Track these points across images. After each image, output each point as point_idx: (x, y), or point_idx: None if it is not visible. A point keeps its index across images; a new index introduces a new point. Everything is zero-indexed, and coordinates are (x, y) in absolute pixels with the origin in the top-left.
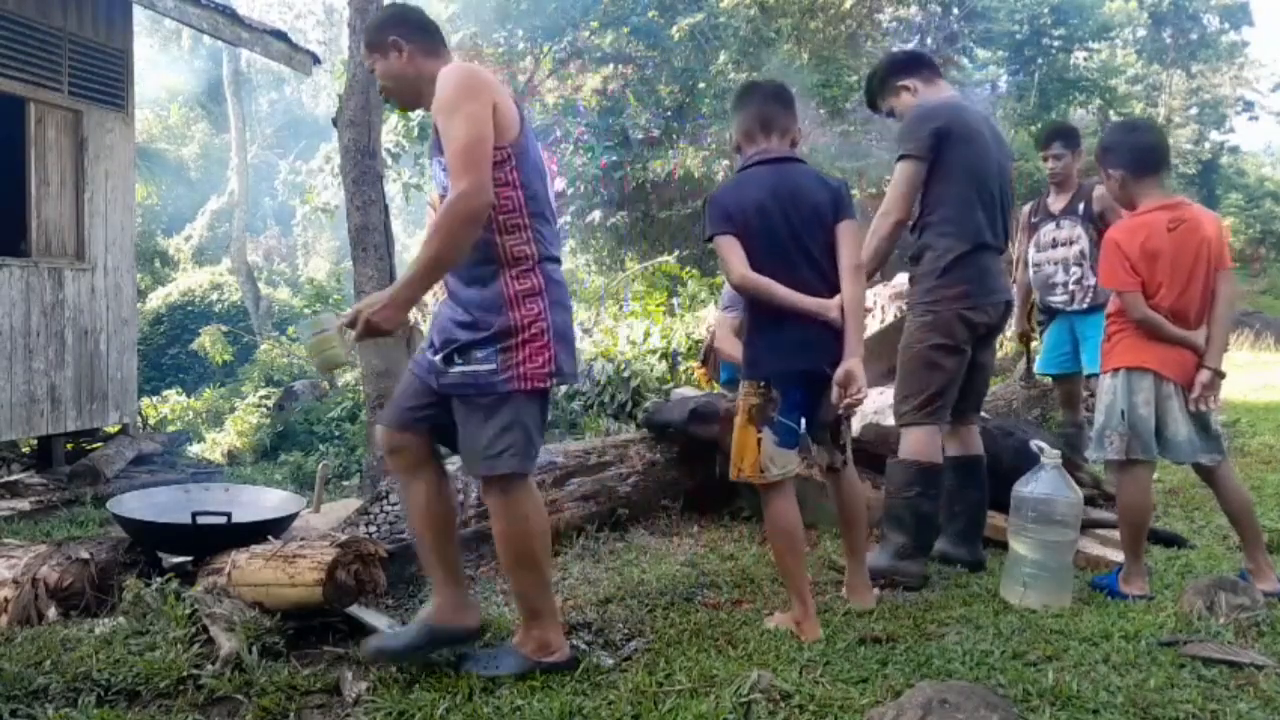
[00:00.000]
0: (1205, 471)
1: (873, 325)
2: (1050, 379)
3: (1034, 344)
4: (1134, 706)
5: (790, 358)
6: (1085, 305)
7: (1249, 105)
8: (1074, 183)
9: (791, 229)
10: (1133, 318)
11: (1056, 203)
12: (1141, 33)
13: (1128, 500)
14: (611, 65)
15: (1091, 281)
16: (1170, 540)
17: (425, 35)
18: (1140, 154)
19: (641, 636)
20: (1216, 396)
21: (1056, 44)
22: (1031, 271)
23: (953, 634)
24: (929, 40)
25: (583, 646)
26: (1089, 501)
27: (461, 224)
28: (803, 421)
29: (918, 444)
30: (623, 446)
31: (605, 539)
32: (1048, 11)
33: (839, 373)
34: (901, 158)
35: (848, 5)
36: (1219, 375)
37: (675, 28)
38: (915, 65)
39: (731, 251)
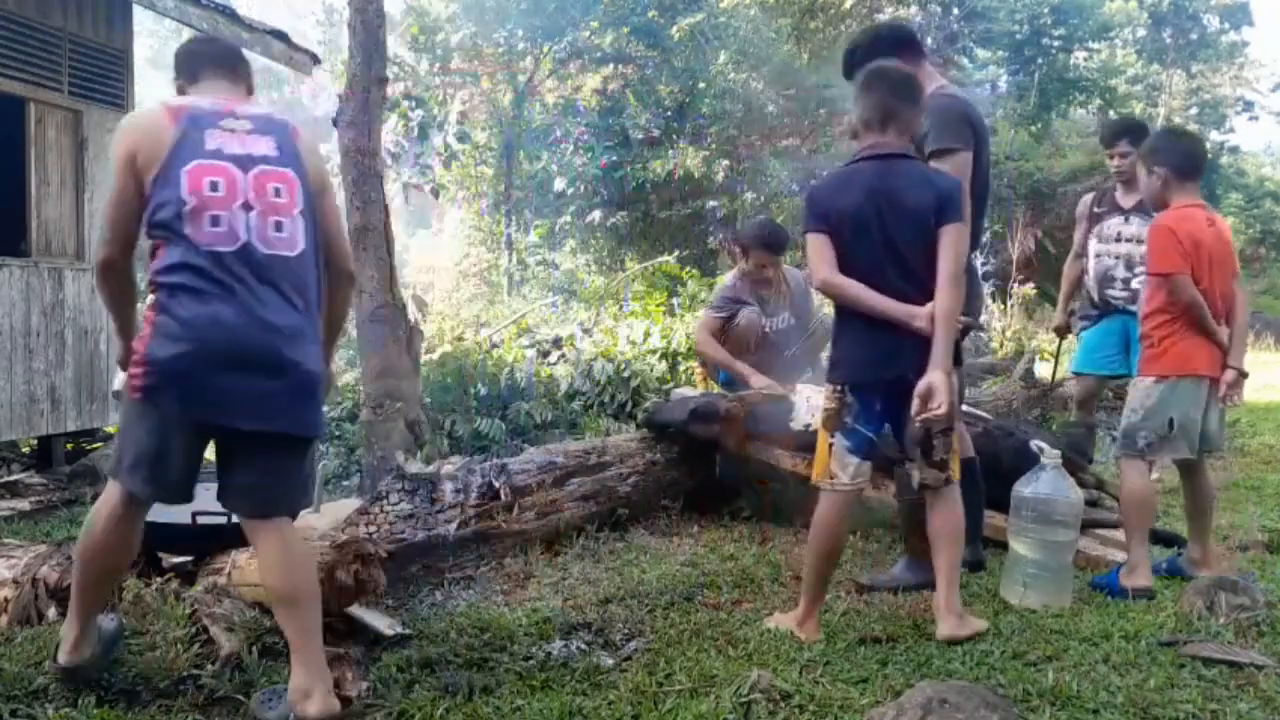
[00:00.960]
0: (1192, 464)
1: None
2: (1074, 376)
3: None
4: (1134, 706)
5: (872, 365)
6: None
7: (1249, 105)
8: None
9: (885, 233)
10: (1182, 299)
11: (1127, 199)
12: (1141, 33)
13: (1134, 490)
14: (611, 65)
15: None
16: (1170, 540)
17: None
18: (1187, 159)
19: (641, 636)
20: (1240, 394)
21: (1056, 44)
22: (1092, 263)
23: None
24: (929, 40)
25: (583, 647)
26: (1089, 502)
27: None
28: (885, 431)
29: None
30: (623, 446)
31: (605, 539)
32: (1048, 11)
33: (920, 385)
34: (949, 151)
35: (848, 5)
36: (1243, 375)
37: (675, 28)
38: (909, 44)
39: (819, 252)
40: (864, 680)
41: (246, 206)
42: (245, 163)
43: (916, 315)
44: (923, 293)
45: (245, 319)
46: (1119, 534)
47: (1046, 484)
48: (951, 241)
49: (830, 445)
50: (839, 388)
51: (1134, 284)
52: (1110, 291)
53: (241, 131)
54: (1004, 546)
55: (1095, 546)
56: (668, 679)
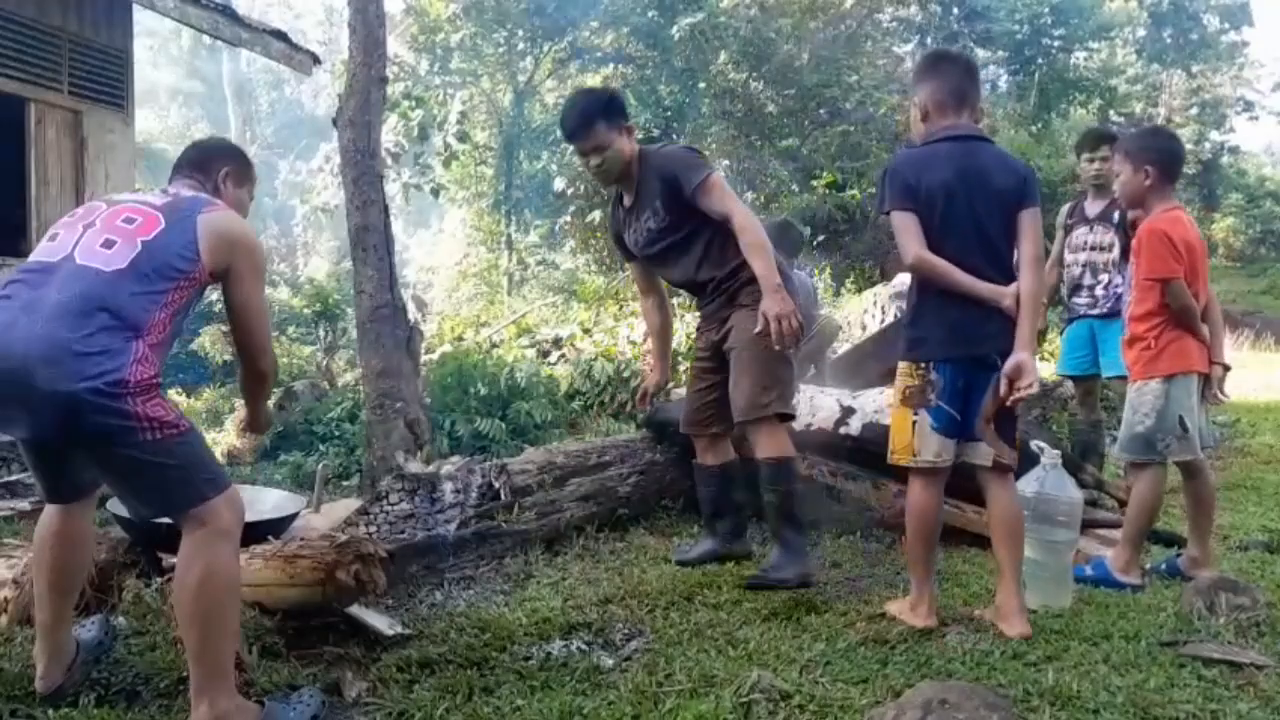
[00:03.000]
0: (1195, 464)
1: (872, 325)
2: (1069, 379)
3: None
4: (1134, 707)
5: (961, 343)
6: (1105, 310)
7: (1249, 105)
8: (1112, 189)
9: (973, 212)
10: (1176, 304)
11: (1093, 207)
12: (1141, 33)
13: (1148, 495)
14: (611, 65)
15: (1116, 288)
16: (1170, 540)
17: None
18: (1175, 159)
19: (641, 636)
20: (1223, 389)
21: (1056, 44)
22: (1064, 271)
23: (953, 634)
24: (929, 40)
25: (583, 647)
26: (1090, 502)
27: None
28: (965, 410)
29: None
30: (623, 446)
31: (605, 539)
32: (1048, 11)
33: (1009, 364)
34: None
35: (848, 5)
36: (1227, 369)
37: (675, 28)
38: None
39: (908, 229)
40: (864, 680)
41: (88, 225)
42: (115, 203)
43: (1004, 295)
44: (1003, 273)
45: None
46: (1119, 534)
47: (1047, 484)
48: (1032, 224)
49: (914, 423)
50: (923, 365)
51: (1096, 290)
52: (1076, 299)
53: (140, 199)
54: None
55: (1095, 546)
56: (668, 679)
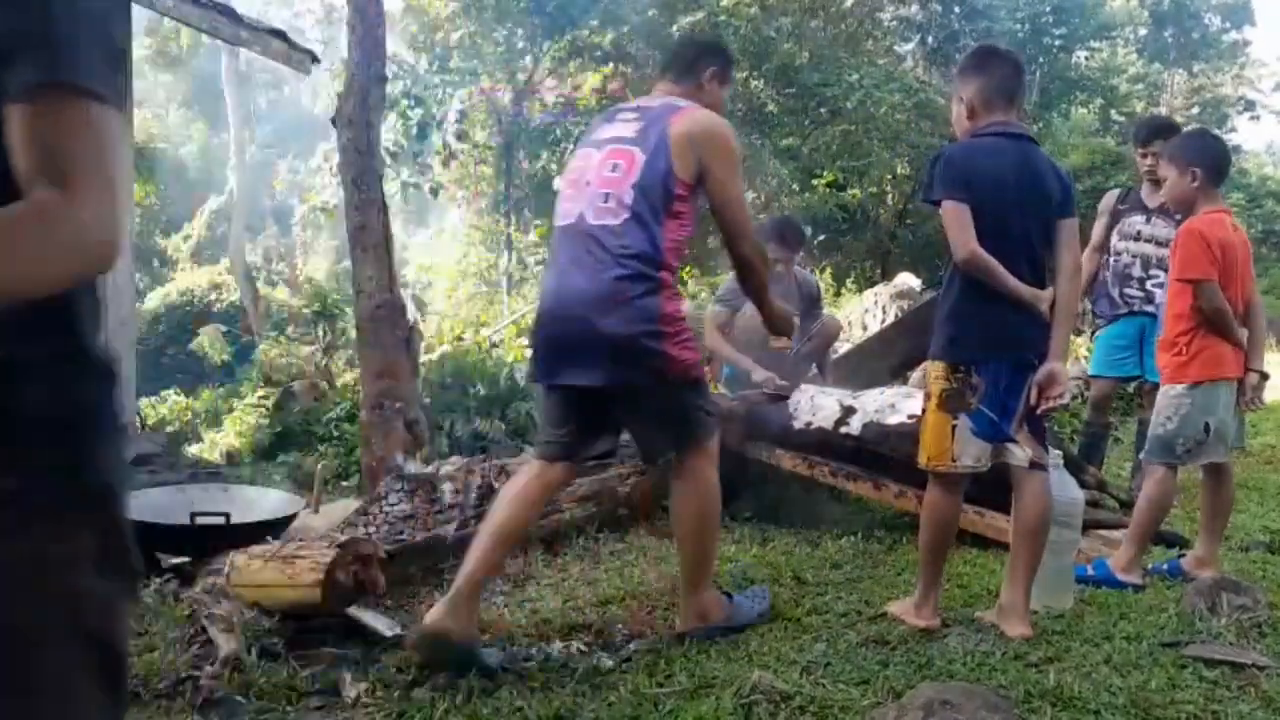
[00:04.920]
0: (1219, 467)
1: (873, 325)
2: (1089, 379)
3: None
4: (1135, 707)
5: (1004, 344)
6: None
7: (1251, 105)
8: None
9: (1022, 213)
10: (1208, 307)
11: (1153, 198)
12: (1143, 32)
13: (1158, 496)
14: (611, 64)
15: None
16: (1171, 541)
17: None
18: (1220, 161)
19: (641, 637)
20: (1261, 397)
21: (1057, 43)
22: (1112, 259)
23: (953, 635)
24: (929, 39)
25: (582, 647)
26: (1091, 502)
27: None
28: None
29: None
30: (623, 446)
31: (605, 539)
32: (1048, 10)
33: (1041, 373)
34: None
35: (848, 4)
36: (1265, 376)
37: (675, 27)
38: None
39: (962, 222)
40: (865, 681)
41: (586, 184)
42: (601, 146)
43: (1043, 298)
44: (1038, 278)
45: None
46: (1120, 534)
47: (1048, 484)
48: (1071, 235)
49: (953, 428)
50: (963, 368)
51: (1149, 285)
52: (1128, 291)
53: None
54: (1005, 547)
55: (1097, 547)
56: (668, 680)
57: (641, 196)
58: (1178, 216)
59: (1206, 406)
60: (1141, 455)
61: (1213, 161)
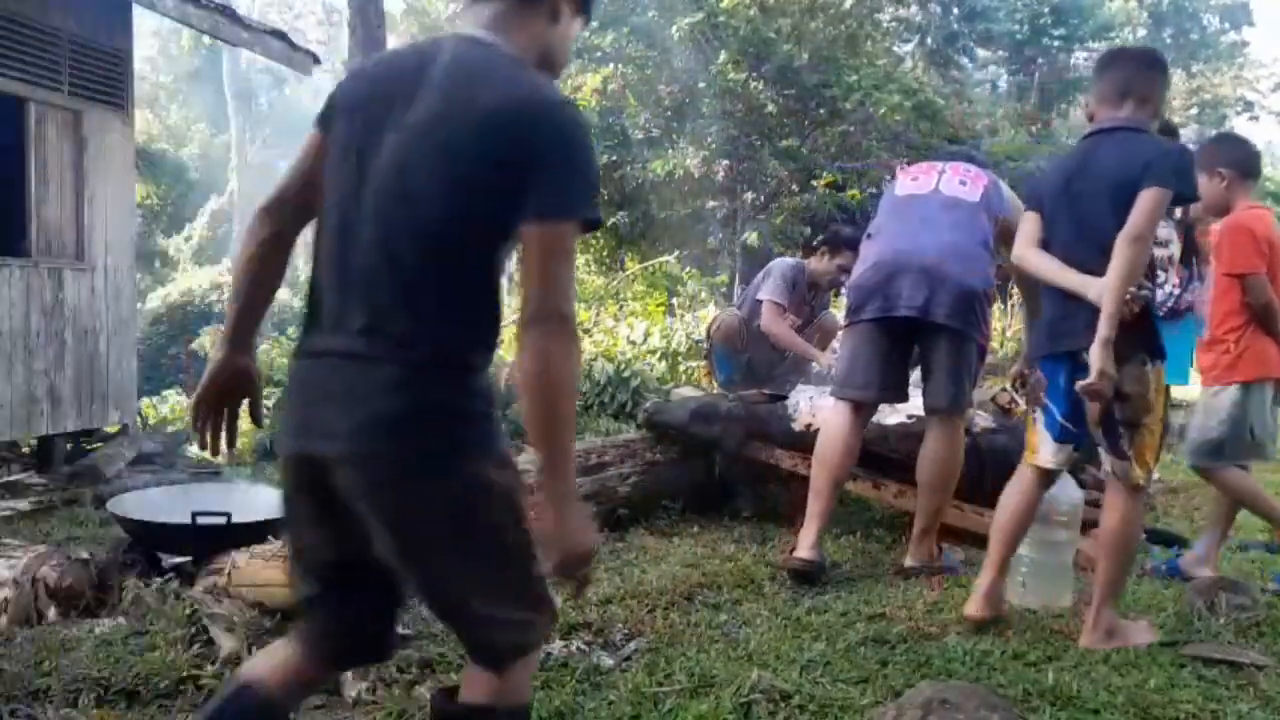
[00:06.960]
0: (1243, 467)
1: None
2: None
3: None
4: (1134, 706)
5: (1051, 339)
6: (1163, 312)
7: (1249, 105)
8: None
9: (1076, 209)
10: (1256, 302)
11: None
12: (1142, 33)
13: (1244, 487)
14: (611, 65)
15: (1171, 289)
16: (1171, 540)
17: None
18: (1251, 158)
19: (641, 636)
20: None
21: (1057, 44)
22: None
23: (953, 634)
24: (929, 40)
25: (583, 647)
26: (1090, 502)
27: None
28: (1068, 410)
29: None
30: (623, 446)
31: (605, 539)
32: (1048, 11)
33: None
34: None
35: (848, 5)
36: None
37: (675, 27)
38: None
39: (1020, 229)
40: (864, 680)
41: (941, 172)
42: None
43: (1091, 285)
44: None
45: None
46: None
47: None
48: (1142, 202)
49: (1033, 421)
50: (1030, 364)
51: (1154, 289)
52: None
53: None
54: None
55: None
56: (668, 679)
57: (985, 199)
58: (1178, 215)
59: (1256, 408)
60: (1189, 463)
61: (1239, 160)
